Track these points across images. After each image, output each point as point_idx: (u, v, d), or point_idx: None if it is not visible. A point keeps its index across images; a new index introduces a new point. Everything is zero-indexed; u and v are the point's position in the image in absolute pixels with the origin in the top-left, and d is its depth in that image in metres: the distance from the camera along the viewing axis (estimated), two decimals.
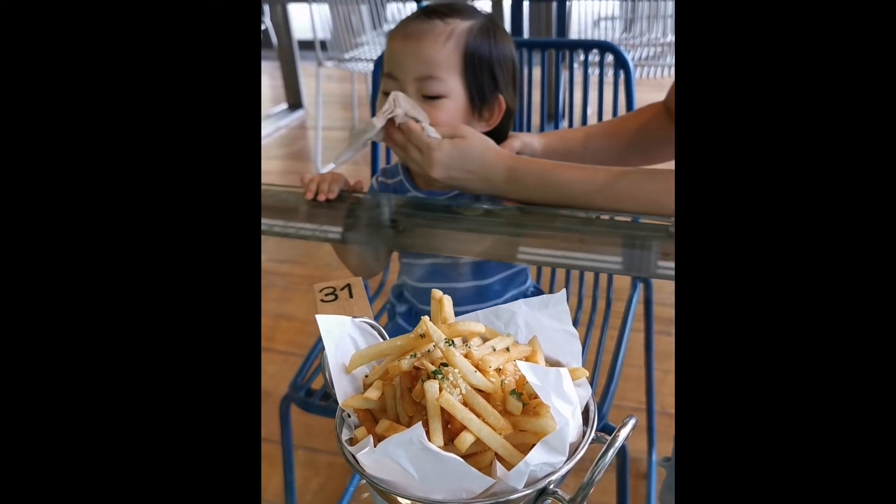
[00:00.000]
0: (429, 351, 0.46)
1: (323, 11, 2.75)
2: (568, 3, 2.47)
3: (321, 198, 0.89)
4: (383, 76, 0.90)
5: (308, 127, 3.64)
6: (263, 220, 0.89)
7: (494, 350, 0.47)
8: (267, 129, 3.59)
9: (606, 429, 0.96)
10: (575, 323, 1.18)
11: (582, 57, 1.19)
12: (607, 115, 1.18)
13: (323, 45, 2.86)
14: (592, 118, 1.19)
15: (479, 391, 0.44)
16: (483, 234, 0.78)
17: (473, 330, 0.49)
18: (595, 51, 1.18)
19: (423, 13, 0.88)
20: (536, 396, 0.44)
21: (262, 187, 0.95)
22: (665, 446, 1.37)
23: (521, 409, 0.44)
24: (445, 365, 0.44)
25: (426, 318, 0.48)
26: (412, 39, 0.87)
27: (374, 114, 1.25)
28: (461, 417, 0.43)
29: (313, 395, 1.05)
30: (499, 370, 0.46)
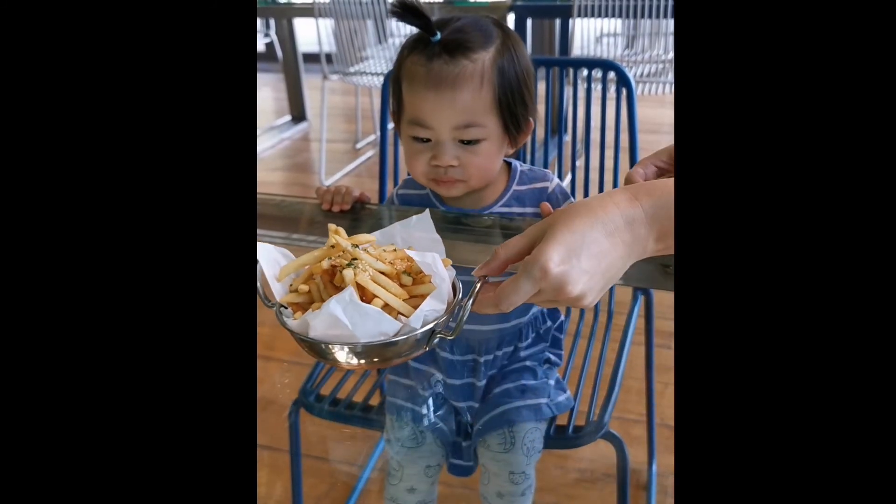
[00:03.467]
0: (339, 256, 0.63)
1: (328, 25, 2.78)
2: (571, 20, 2.50)
3: (336, 209, 0.91)
4: (409, 122, 0.85)
5: (311, 139, 3.66)
6: (273, 231, 0.91)
7: (385, 250, 0.66)
8: (270, 140, 3.61)
9: (608, 437, 0.98)
10: (576, 335, 1.21)
11: (585, 73, 1.21)
12: (609, 131, 1.20)
13: (328, 57, 2.89)
14: (595, 133, 1.21)
15: (382, 273, 0.62)
16: (490, 244, 0.80)
17: (368, 238, 0.67)
18: (598, 69, 1.20)
19: (445, 50, 0.81)
20: (420, 272, 0.63)
21: (272, 198, 0.97)
22: (665, 458, 1.38)
23: (411, 281, 0.62)
24: (355, 259, 0.61)
25: (335, 229, 0.65)
26: (446, 88, 0.81)
27: (383, 126, 1.27)
28: (373, 289, 0.59)
29: (322, 401, 1.06)
30: (390, 263, 0.64)
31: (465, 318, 0.60)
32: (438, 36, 0.81)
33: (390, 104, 0.92)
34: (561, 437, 0.97)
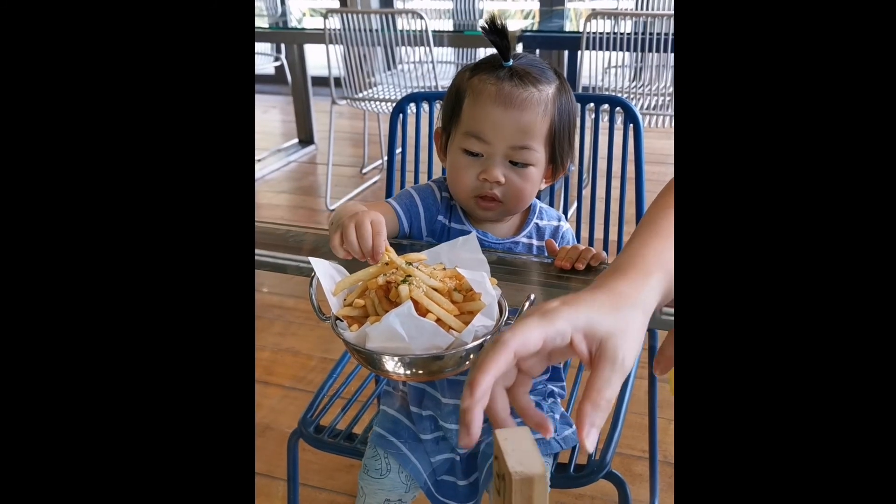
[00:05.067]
0: (393, 273, 0.67)
1: (338, 50, 2.81)
2: (579, 52, 2.52)
3: (361, 258, 0.75)
4: (465, 134, 0.88)
5: (318, 162, 3.68)
6: (270, 254, 0.91)
7: (434, 268, 0.71)
8: (277, 163, 3.63)
9: (609, 476, 0.96)
10: (580, 368, 1.19)
11: (593, 106, 1.21)
12: (617, 162, 1.20)
13: (336, 81, 2.91)
14: (602, 163, 1.21)
15: (434, 290, 0.66)
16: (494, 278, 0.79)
17: (419, 258, 0.72)
18: (606, 105, 1.20)
19: (517, 77, 0.87)
20: (471, 290, 0.68)
21: (277, 227, 0.97)
22: (668, 496, 1.36)
23: (462, 298, 0.67)
24: (409, 276, 0.66)
25: (390, 249, 0.70)
26: (514, 108, 0.86)
27: (391, 152, 1.27)
28: (426, 304, 0.64)
29: (322, 432, 1.05)
30: (442, 280, 0.68)
31: (503, 327, 0.64)
32: (511, 62, 0.88)
33: (439, 119, 0.97)
34: (562, 475, 0.96)
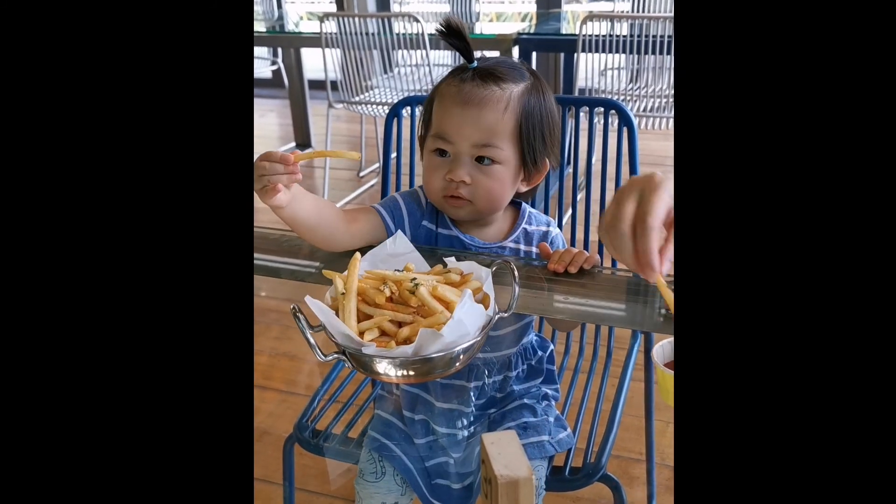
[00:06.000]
0: (382, 285, 0.72)
1: (335, 54, 2.81)
2: (576, 54, 2.52)
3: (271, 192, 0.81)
4: (433, 136, 0.90)
5: (315, 166, 3.68)
6: (270, 258, 0.91)
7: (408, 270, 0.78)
8: None
9: (605, 479, 0.96)
10: (575, 371, 1.19)
11: (587, 108, 1.21)
12: (611, 164, 1.20)
13: (333, 85, 2.91)
14: (597, 165, 1.22)
15: (438, 284, 0.72)
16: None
17: (380, 272, 0.76)
18: (601, 108, 1.20)
19: (479, 76, 0.88)
20: (462, 273, 0.76)
21: (271, 232, 0.97)
22: (665, 499, 1.36)
23: (458, 279, 0.75)
24: (414, 278, 0.71)
25: (356, 257, 0.74)
26: (472, 106, 0.87)
27: (386, 155, 1.27)
28: (449, 296, 0.70)
29: (318, 437, 1.04)
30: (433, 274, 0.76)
31: (516, 297, 0.73)
32: (475, 63, 0.89)
33: (418, 128, 0.97)
34: (557, 478, 0.95)
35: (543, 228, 0.99)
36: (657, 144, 3.10)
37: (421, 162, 0.96)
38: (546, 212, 1.19)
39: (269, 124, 4.40)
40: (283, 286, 0.91)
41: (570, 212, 1.30)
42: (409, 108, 1.25)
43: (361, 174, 3.47)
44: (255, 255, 0.93)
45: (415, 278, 0.70)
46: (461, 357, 0.69)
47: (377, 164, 3.54)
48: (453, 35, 0.87)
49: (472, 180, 0.88)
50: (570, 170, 1.32)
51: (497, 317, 0.71)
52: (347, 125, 4.11)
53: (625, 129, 1.15)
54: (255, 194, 0.79)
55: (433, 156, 0.90)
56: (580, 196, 1.33)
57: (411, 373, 0.68)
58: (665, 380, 0.68)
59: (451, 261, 0.76)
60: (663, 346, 0.70)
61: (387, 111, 2.82)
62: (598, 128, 1.22)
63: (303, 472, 1.44)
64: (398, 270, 0.78)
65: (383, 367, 0.67)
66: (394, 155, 1.27)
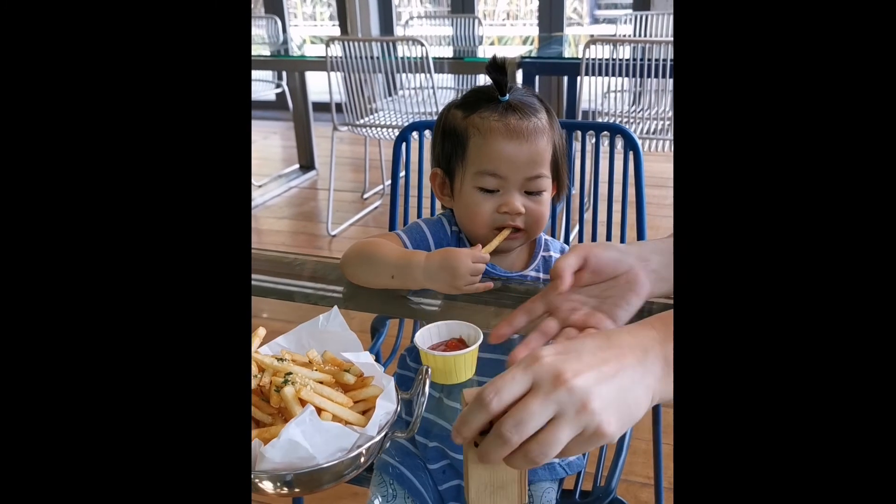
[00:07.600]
0: (261, 374, 0.60)
1: (339, 77, 2.83)
2: (579, 77, 2.54)
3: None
4: (479, 173, 0.90)
5: (319, 188, 3.69)
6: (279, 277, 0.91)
7: (310, 359, 0.64)
8: (278, 188, 3.64)
9: (615, 503, 0.95)
10: None
11: (593, 132, 1.23)
12: (618, 186, 1.20)
13: (338, 107, 2.93)
14: (603, 187, 1.22)
15: (321, 383, 0.59)
16: (500, 307, 0.80)
17: (284, 353, 0.64)
18: (606, 132, 1.22)
19: (517, 110, 0.90)
20: (361, 375, 0.61)
21: (284, 256, 0.97)
22: None
23: (353, 380, 0.60)
24: (289, 374, 0.58)
25: (258, 352, 0.63)
26: (524, 140, 0.89)
27: (394, 177, 1.28)
28: (318, 403, 0.56)
29: None
30: (326, 371, 0.61)
31: (420, 415, 0.61)
32: (507, 97, 0.91)
33: (436, 158, 0.98)
34: (568, 501, 0.95)
35: (558, 255, 1.00)
36: (659, 166, 3.11)
37: (429, 184, 0.96)
38: (553, 233, 1.19)
39: (272, 146, 4.43)
40: (282, 307, 0.92)
41: (576, 229, 1.31)
42: (416, 132, 1.28)
43: (365, 196, 3.48)
44: (265, 278, 0.94)
45: (290, 373, 0.58)
46: (326, 476, 0.56)
47: (381, 186, 3.55)
48: (498, 70, 0.90)
49: (526, 210, 0.91)
50: (576, 191, 1.33)
51: (388, 440, 0.60)
52: (350, 147, 4.13)
53: (630, 153, 1.16)
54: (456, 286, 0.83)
55: (477, 192, 0.91)
56: (587, 216, 1.33)
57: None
58: (436, 361, 0.74)
59: (358, 355, 0.63)
60: (424, 333, 0.76)
61: (391, 133, 2.85)
62: (604, 149, 1.23)
63: (311, 495, 1.43)
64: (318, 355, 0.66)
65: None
66: (402, 175, 1.29)
